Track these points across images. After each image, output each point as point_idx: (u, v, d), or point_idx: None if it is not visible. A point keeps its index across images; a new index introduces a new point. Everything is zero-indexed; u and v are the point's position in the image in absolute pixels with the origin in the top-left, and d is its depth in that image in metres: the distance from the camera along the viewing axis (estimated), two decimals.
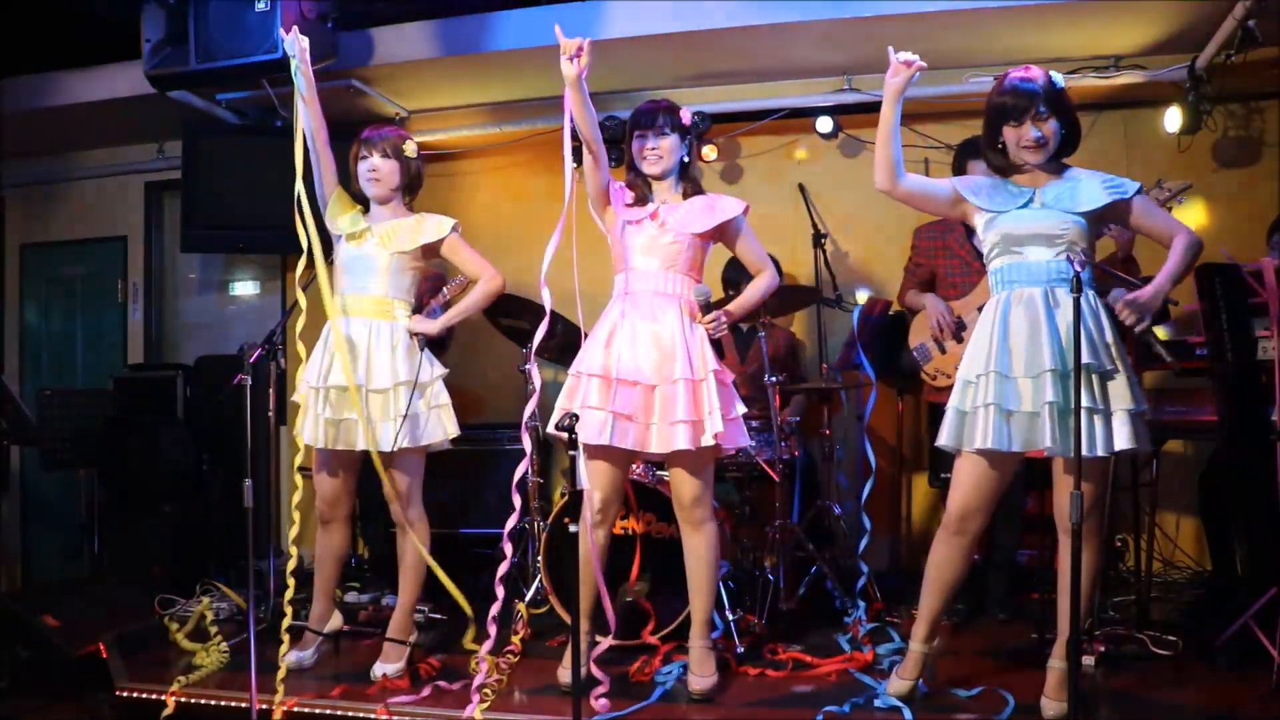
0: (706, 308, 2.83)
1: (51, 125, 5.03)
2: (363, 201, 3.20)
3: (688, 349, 2.75)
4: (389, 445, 2.95)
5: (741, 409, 2.87)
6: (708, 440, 2.71)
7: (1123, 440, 2.42)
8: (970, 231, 3.50)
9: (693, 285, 2.84)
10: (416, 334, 3.08)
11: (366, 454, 3.03)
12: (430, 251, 3.15)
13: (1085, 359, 2.38)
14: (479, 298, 3.14)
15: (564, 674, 2.80)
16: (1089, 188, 2.54)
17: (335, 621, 3.31)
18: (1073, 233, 2.50)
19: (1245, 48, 3.62)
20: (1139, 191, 2.55)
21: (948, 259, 3.65)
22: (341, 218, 3.13)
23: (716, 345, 2.85)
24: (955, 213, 2.71)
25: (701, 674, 2.83)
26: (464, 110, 4.97)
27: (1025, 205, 2.55)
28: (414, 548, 3.09)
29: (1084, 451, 2.38)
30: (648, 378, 2.73)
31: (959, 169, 3.62)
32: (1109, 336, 2.47)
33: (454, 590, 3.04)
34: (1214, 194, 4.29)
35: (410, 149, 3.16)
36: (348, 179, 3.19)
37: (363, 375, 2.98)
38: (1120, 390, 2.44)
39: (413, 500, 3.06)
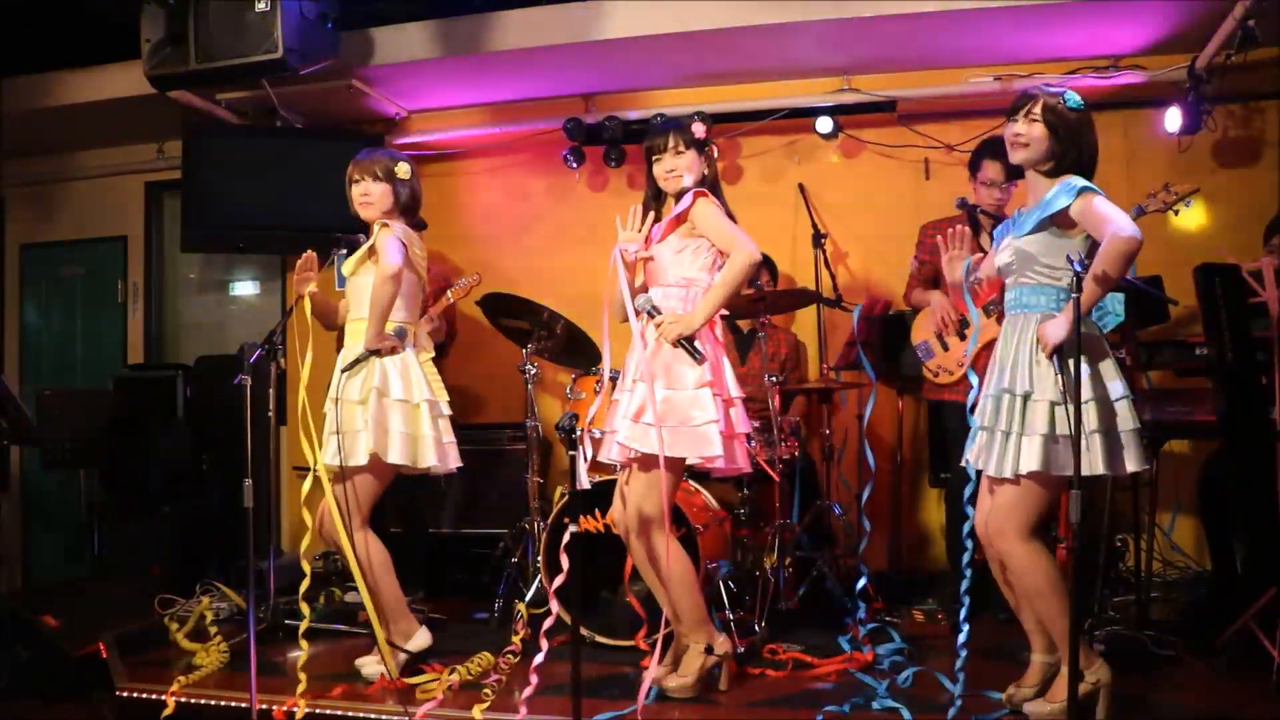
0: (651, 313, 2.76)
1: (51, 125, 5.03)
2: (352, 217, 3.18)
3: (637, 360, 2.78)
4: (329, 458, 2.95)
5: (703, 416, 2.71)
6: (612, 454, 2.81)
7: (1031, 462, 2.38)
8: (976, 228, 3.50)
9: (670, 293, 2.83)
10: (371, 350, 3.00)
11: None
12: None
13: (1004, 384, 2.46)
14: (376, 288, 2.94)
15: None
16: (1047, 202, 2.46)
17: (423, 639, 3.15)
18: (1020, 258, 2.49)
19: (1245, 48, 3.62)
20: (1079, 194, 2.38)
21: None
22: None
23: (689, 345, 2.73)
24: None
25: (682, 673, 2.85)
26: (464, 110, 4.98)
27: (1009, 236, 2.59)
28: (356, 562, 2.98)
29: (992, 472, 2.49)
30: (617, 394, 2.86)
31: (975, 165, 3.64)
32: (1035, 359, 2.43)
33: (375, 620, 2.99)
34: (1214, 194, 4.28)
35: (403, 170, 3.11)
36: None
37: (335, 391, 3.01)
38: (1035, 414, 2.40)
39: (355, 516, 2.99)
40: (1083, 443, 2.33)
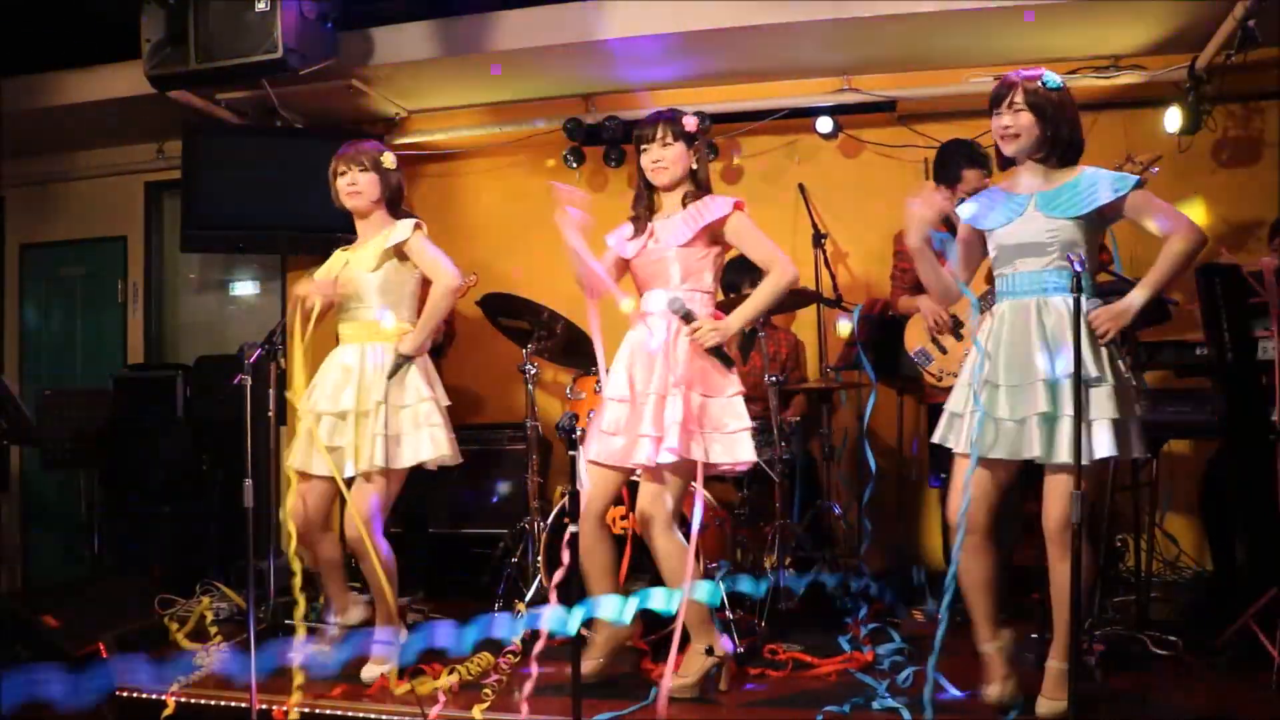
0: (687, 316, 2.77)
1: (51, 125, 5.03)
2: (348, 216, 3.18)
3: (666, 363, 2.76)
4: (350, 470, 2.96)
5: (738, 424, 2.78)
6: (664, 457, 2.69)
7: (1104, 448, 2.40)
8: (953, 230, 3.50)
9: (689, 297, 2.82)
10: (403, 355, 3.02)
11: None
12: (404, 257, 3.10)
13: (1069, 367, 2.39)
14: (438, 300, 3.03)
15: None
16: (1085, 189, 2.49)
17: (357, 614, 3.25)
18: (1062, 239, 2.48)
19: (1245, 48, 3.62)
20: (1136, 186, 2.46)
21: None
22: (326, 275, 3.14)
23: (721, 353, 2.79)
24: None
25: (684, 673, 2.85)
26: (464, 110, 4.98)
27: (1020, 215, 2.54)
28: (369, 567, 3.00)
29: (1066, 458, 2.40)
30: (629, 394, 2.81)
31: (953, 176, 3.61)
32: (1095, 344, 2.45)
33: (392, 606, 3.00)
34: (1214, 194, 4.27)
35: (389, 160, 3.12)
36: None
37: (352, 400, 3.00)
38: (1103, 398, 2.41)
39: (373, 523, 3.00)
40: (1134, 427, 2.46)
